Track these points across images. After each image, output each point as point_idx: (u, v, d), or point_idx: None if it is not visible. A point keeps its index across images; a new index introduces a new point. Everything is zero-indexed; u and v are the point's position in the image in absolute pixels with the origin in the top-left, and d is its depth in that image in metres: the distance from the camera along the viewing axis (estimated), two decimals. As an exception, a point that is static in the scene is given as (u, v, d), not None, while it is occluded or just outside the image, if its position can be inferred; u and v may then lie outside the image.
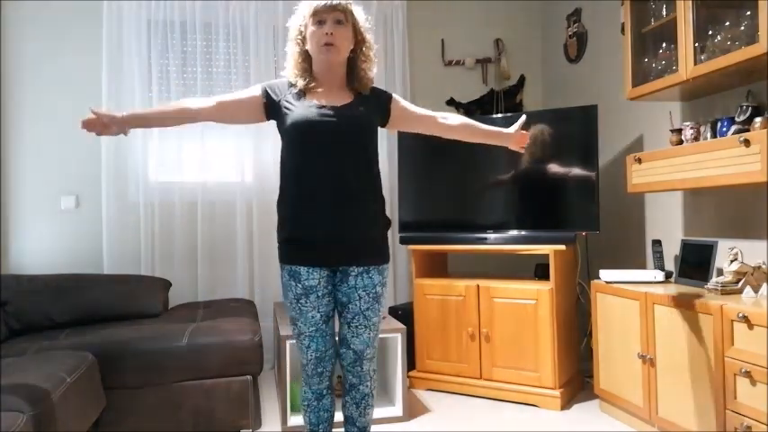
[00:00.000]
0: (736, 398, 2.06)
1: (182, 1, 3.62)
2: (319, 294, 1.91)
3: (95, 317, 3.00)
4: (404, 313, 3.43)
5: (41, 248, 3.50)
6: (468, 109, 4.09)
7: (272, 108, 1.96)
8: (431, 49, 4.11)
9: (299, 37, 1.94)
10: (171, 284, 3.38)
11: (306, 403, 2.02)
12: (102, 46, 3.52)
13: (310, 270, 1.89)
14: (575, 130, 3.14)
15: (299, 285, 1.90)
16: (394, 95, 2.08)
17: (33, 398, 1.82)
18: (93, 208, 3.56)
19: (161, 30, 3.60)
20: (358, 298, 1.92)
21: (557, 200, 3.19)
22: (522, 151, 2.24)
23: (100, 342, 2.54)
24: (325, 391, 2.01)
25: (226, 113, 2.00)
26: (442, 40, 4.12)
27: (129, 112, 1.91)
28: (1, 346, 2.62)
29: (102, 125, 1.84)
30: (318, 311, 1.92)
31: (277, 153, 2.08)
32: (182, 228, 3.62)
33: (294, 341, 2.09)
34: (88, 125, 1.83)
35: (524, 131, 2.16)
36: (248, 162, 3.71)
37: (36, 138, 3.50)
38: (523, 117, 2.18)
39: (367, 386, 2.01)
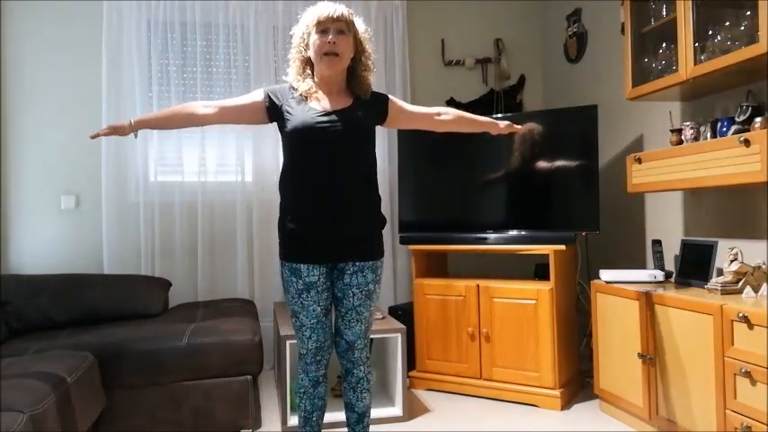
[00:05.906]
0: (736, 398, 2.06)
1: (182, 1, 3.62)
2: (319, 290, 2.02)
3: (95, 317, 3.00)
4: (404, 313, 3.43)
5: (41, 248, 3.50)
6: (469, 109, 4.07)
7: (274, 112, 2.05)
8: (431, 49, 4.11)
9: (302, 44, 2.03)
10: (171, 284, 3.38)
11: (302, 390, 2.10)
12: (102, 46, 3.52)
13: (310, 267, 1.99)
14: (575, 131, 3.14)
15: (300, 281, 2.00)
16: (390, 97, 2.19)
17: (33, 398, 1.83)
18: (93, 208, 3.56)
19: (161, 30, 3.60)
20: (352, 295, 2.04)
21: (557, 200, 3.19)
22: (515, 130, 2.35)
23: (100, 342, 2.54)
24: (321, 379, 2.11)
25: (228, 117, 2.11)
26: (442, 40, 4.12)
27: (138, 119, 2.05)
28: (1, 346, 2.62)
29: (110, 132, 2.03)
30: (319, 305, 2.03)
31: (277, 153, 2.12)
32: (182, 228, 3.61)
33: (294, 334, 2.17)
34: (96, 136, 2.04)
35: (517, 126, 2.33)
36: (248, 162, 3.70)
37: (36, 138, 3.50)
38: (520, 127, 2.36)
39: (360, 370, 2.12)
